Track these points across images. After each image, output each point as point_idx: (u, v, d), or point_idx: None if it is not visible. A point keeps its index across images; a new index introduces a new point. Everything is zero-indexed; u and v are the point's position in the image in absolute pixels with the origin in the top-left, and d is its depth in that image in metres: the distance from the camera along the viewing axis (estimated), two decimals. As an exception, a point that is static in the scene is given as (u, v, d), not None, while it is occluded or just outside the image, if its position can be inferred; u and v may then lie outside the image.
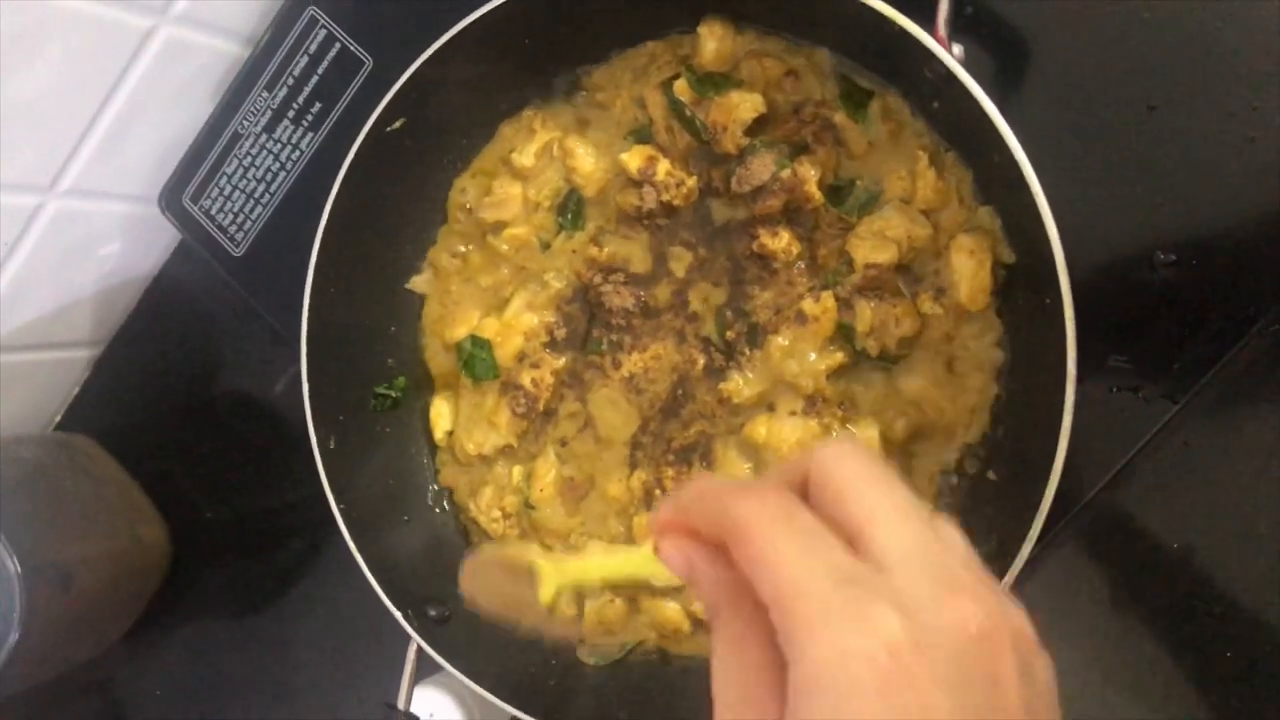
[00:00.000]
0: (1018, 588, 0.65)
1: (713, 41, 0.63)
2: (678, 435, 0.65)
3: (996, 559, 0.57)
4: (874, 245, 0.61)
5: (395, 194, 0.67)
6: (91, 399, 1.01)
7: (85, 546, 0.92)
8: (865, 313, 0.62)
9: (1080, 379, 0.64)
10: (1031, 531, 0.54)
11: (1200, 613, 0.69)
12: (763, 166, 0.61)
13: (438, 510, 0.71)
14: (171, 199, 0.86)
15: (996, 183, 0.58)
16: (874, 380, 0.63)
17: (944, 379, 0.61)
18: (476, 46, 0.62)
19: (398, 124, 0.64)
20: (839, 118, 0.62)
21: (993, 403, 0.61)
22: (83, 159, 0.85)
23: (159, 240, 0.94)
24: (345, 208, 0.64)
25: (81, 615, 0.92)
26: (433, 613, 0.65)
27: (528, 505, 0.68)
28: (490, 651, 0.65)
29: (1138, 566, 0.69)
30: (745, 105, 0.62)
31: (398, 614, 0.63)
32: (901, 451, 0.62)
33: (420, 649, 0.63)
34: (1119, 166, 0.65)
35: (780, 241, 0.62)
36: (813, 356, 0.62)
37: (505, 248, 0.68)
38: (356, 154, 0.63)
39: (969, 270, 0.59)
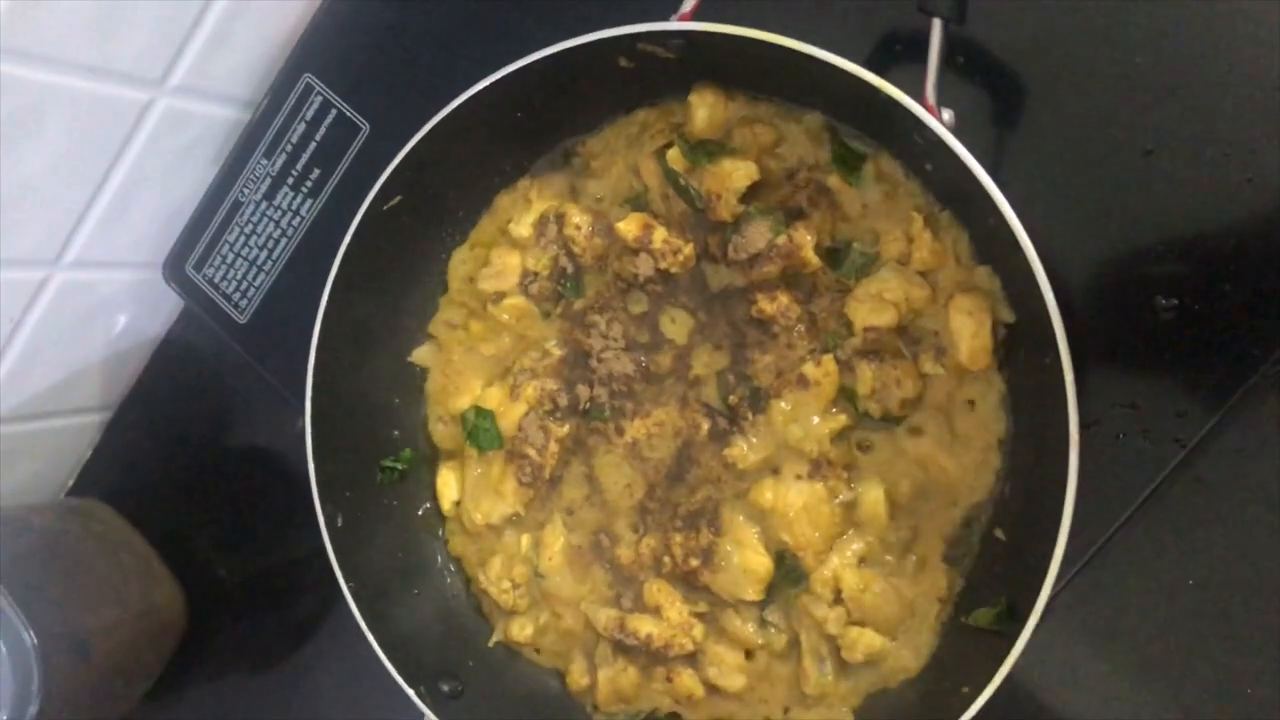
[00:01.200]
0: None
1: (703, 109, 0.63)
2: (684, 500, 0.65)
3: (1007, 621, 0.57)
4: (872, 308, 0.61)
5: (395, 269, 0.68)
6: (103, 463, 1.02)
7: (102, 614, 0.93)
8: (866, 375, 0.61)
9: (1086, 426, 0.64)
10: (1041, 595, 0.54)
11: (1217, 650, 0.69)
12: (759, 234, 0.62)
13: (448, 581, 0.71)
14: (175, 268, 0.86)
15: (993, 243, 0.58)
16: (878, 441, 0.63)
17: (948, 439, 0.61)
18: (470, 123, 0.62)
19: (394, 201, 0.64)
20: (833, 181, 0.62)
21: (998, 461, 0.61)
22: (87, 231, 0.86)
23: (165, 304, 0.95)
24: (345, 286, 0.65)
25: (100, 681, 0.93)
26: (445, 688, 0.65)
27: (537, 574, 0.68)
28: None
29: (1152, 608, 0.69)
30: (739, 173, 0.62)
31: (410, 692, 0.63)
32: (907, 511, 0.62)
33: (435, 727, 0.63)
34: (1117, 211, 0.65)
35: (778, 305, 0.62)
36: (816, 420, 0.62)
37: (506, 317, 0.68)
38: (355, 234, 0.63)
39: (969, 330, 0.59)
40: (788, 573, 0.63)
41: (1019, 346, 0.60)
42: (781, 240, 0.61)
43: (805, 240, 0.61)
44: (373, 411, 0.70)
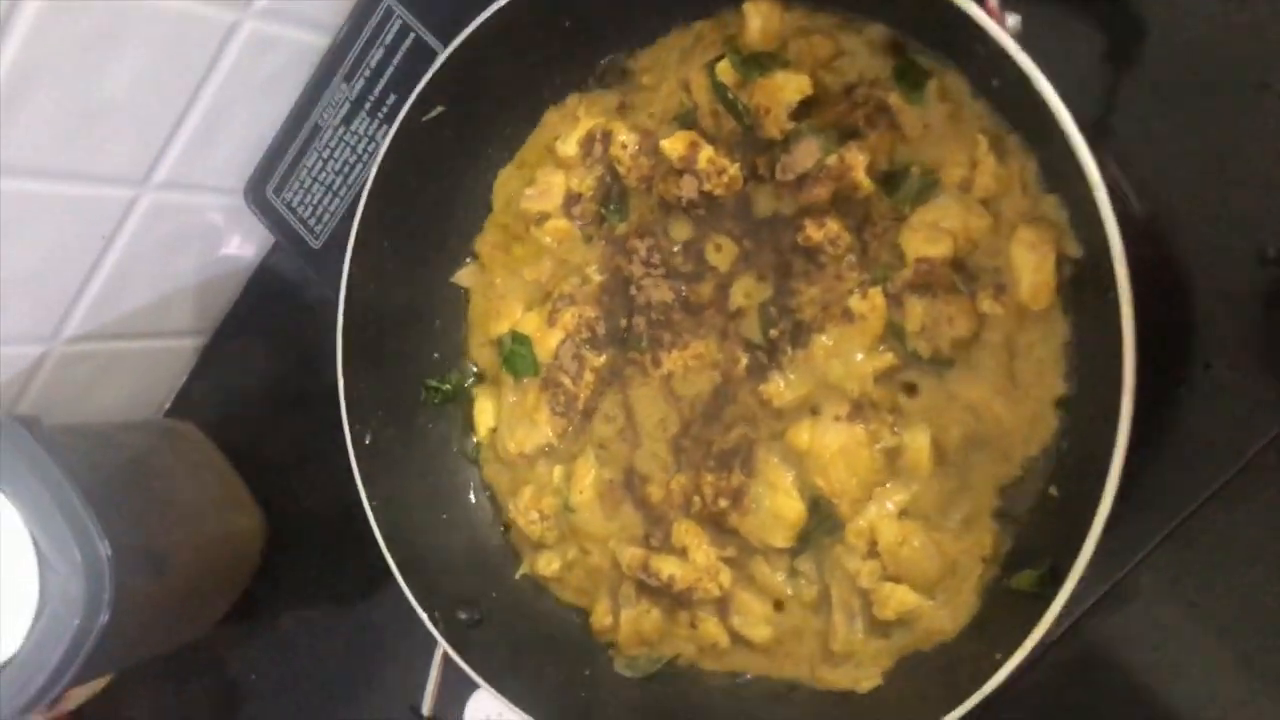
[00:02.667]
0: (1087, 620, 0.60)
1: (758, 19, 0.59)
2: (718, 439, 0.62)
3: (1050, 584, 0.52)
4: (927, 237, 0.56)
5: (437, 185, 0.66)
6: (198, 388, 1.03)
7: (181, 532, 0.94)
8: (916, 311, 0.57)
9: (1174, 383, 0.58)
10: (1082, 555, 0.48)
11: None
12: (808, 152, 0.57)
13: (479, 509, 0.69)
14: (256, 192, 0.87)
15: (1061, 170, 0.53)
16: (927, 384, 0.58)
17: (1004, 385, 0.56)
18: (514, 30, 0.60)
19: (435, 112, 0.62)
20: (893, 99, 0.57)
21: (1058, 413, 0.55)
22: (175, 152, 0.86)
23: (257, 231, 0.96)
24: (384, 198, 0.63)
25: (174, 599, 0.94)
26: (463, 615, 0.63)
27: (567, 508, 0.65)
28: (521, 659, 0.63)
29: (1243, 577, 0.62)
30: (790, 87, 0.58)
31: (424, 615, 0.61)
32: (956, 462, 0.57)
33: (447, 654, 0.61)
34: (1226, 151, 0.58)
35: (827, 232, 0.58)
36: (860, 357, 0.58)
37: (548, 240, 0.66)
38: (392, 143, 0.62)
39: (1031, 264, 0.54)
40: (822, 521, 0.59)
41: (1086, 286, 0.54)
42: (832, 160, 0.57)
43: (858, 161, 0.57)
44: (414, 330, 0.68)
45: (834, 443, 0.58)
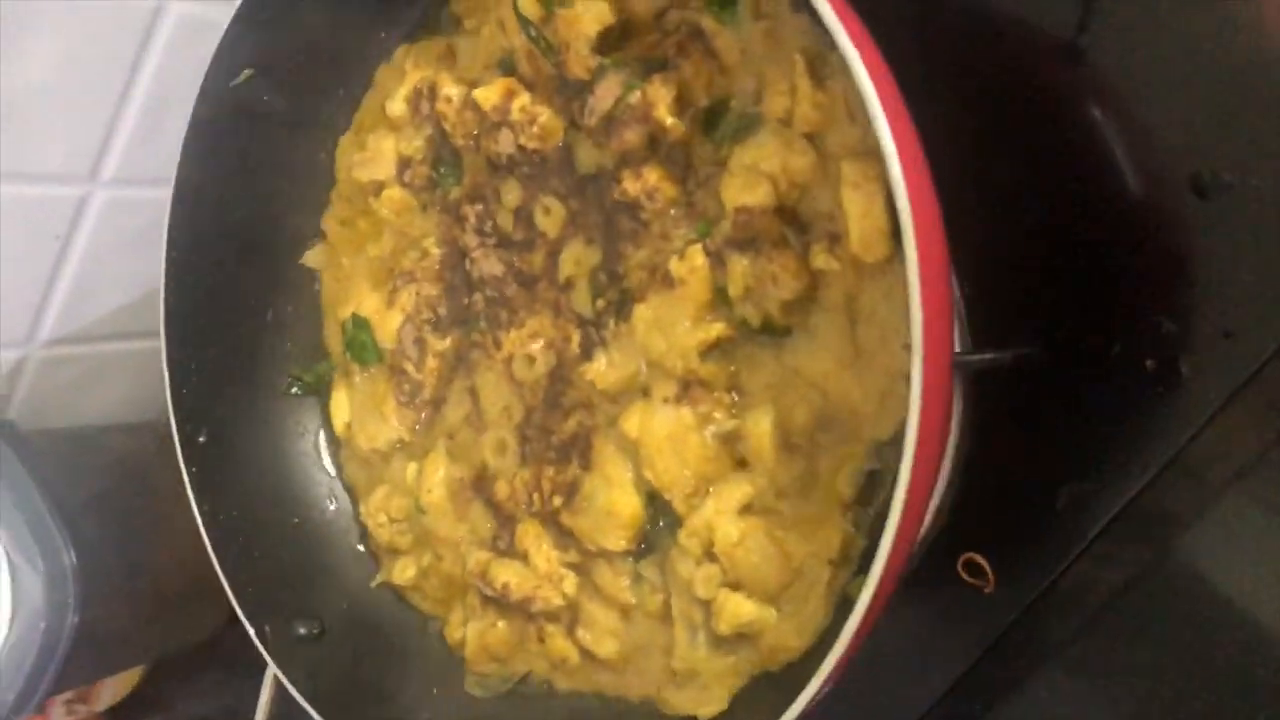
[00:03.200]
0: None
1: None
2: (558, 427, 0.54)
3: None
4: (744, 183, 0.47)
5: (270, 158, 0.60)
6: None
7: (161, 536, 0.93)
8: (737, 271, 0.48)
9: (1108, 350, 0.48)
10: (880, 549, 0.39)
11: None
12: (608, 91, 0.49)
13: (339, 514, 0.64)
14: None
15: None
16: (766, 359, 0.49)
17: (849, 355, 0.46)
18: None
19: (244, 76, 0.57)
20: (706, 21, 0.48)
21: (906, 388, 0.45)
22: (119, 146, 0.85)
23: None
24: (198, 174, 0.58)
25: (158, 604, 0.93)
26: (302, 630, 0.58)
27: (418, 509, 0.59)
28: (360, 676, 0.57)
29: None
30: (588, 16, 0.50)
31: (250, 629, 0.56)
32: (803, 448, 0.48)
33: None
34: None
35: (644, 184, 0.49)
36: (684, 327, 0.49)
37: (385, 211, 0.59)
38: (195, 115, 0.56)
39: (859, 207, 0.44)
40: (664, 520, 0.51)
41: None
42: (634, 98, 0.49)
43: (660, 96, 0.48)
44: (257, 320, 0.63)
45: (661, 429, 0.49)
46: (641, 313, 0.50)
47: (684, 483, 0.50)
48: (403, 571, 0.60)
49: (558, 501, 0.53)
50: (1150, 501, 0.52)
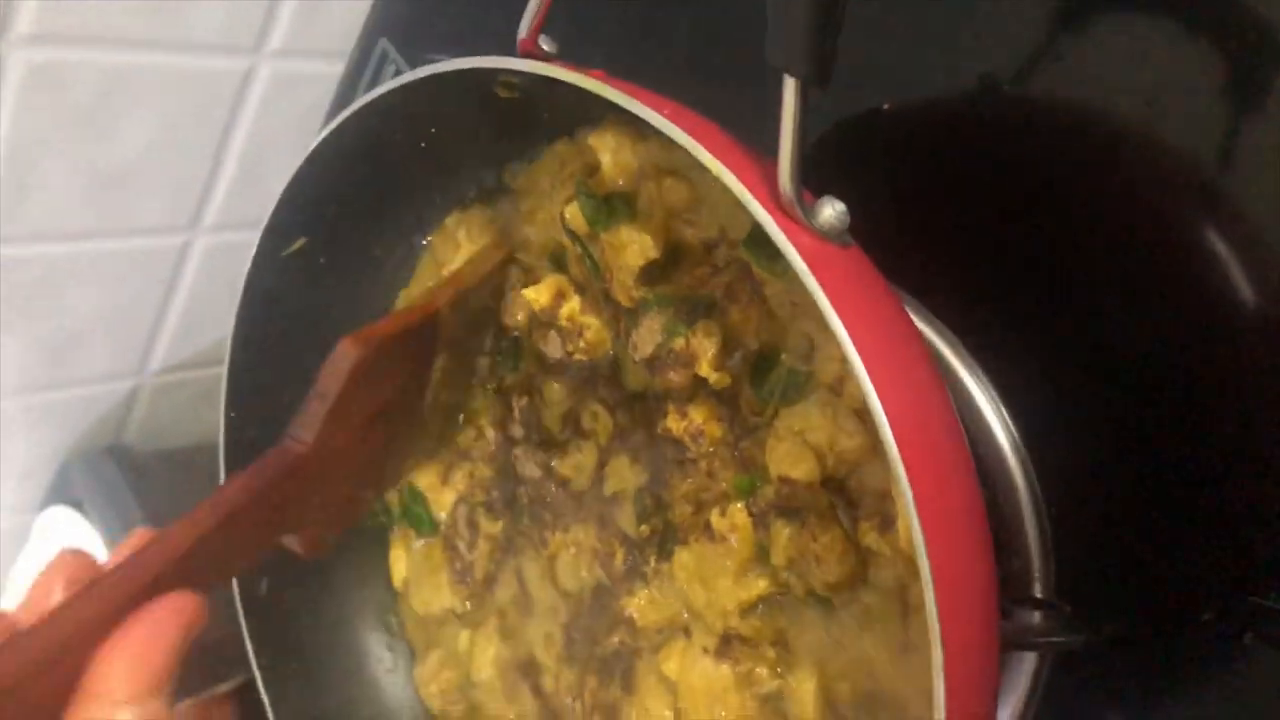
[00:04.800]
0: None
1: (606, 154, 0.46)
2: (602, 640, 0.52)
3: None
4: (788, 452, 0.43)
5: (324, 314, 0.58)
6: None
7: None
8: (780, 539, 0.44)
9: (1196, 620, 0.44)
10: None
11: None
12: (650, 334, 0.45)
13: (392, 669, 0.63)
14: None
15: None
16: (814, 621, 0.45)
17: (900, 642, 0.43)
18: (361, 151, 0.50)
19: (298, 245, 0.55)
20: (757, 269, 0.44)
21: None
22: (218, 197, 0.85)
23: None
24: (257, 330, 0.56)
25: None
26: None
27: (470, 683, 0.58)
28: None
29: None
30: (633, 248, 0.46)
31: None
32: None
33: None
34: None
35: (690, 424, 0.46)
36: (725, 584, 0.46)
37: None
38: (250, 283, 0.55)
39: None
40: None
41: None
42: (678, 344, 0.45)
43: (703, 349, 0.44)
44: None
45: (699, 681, 0.47)
46: (683, 559, 0.47)
47: None
48: None
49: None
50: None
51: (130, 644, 0.36)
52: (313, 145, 0.50)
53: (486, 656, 0.56)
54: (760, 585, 0.46)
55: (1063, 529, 0.50)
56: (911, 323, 0.41)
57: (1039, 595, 0.49)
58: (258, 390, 0.58)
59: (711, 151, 0.35)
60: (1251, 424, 0.47)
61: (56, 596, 0.38)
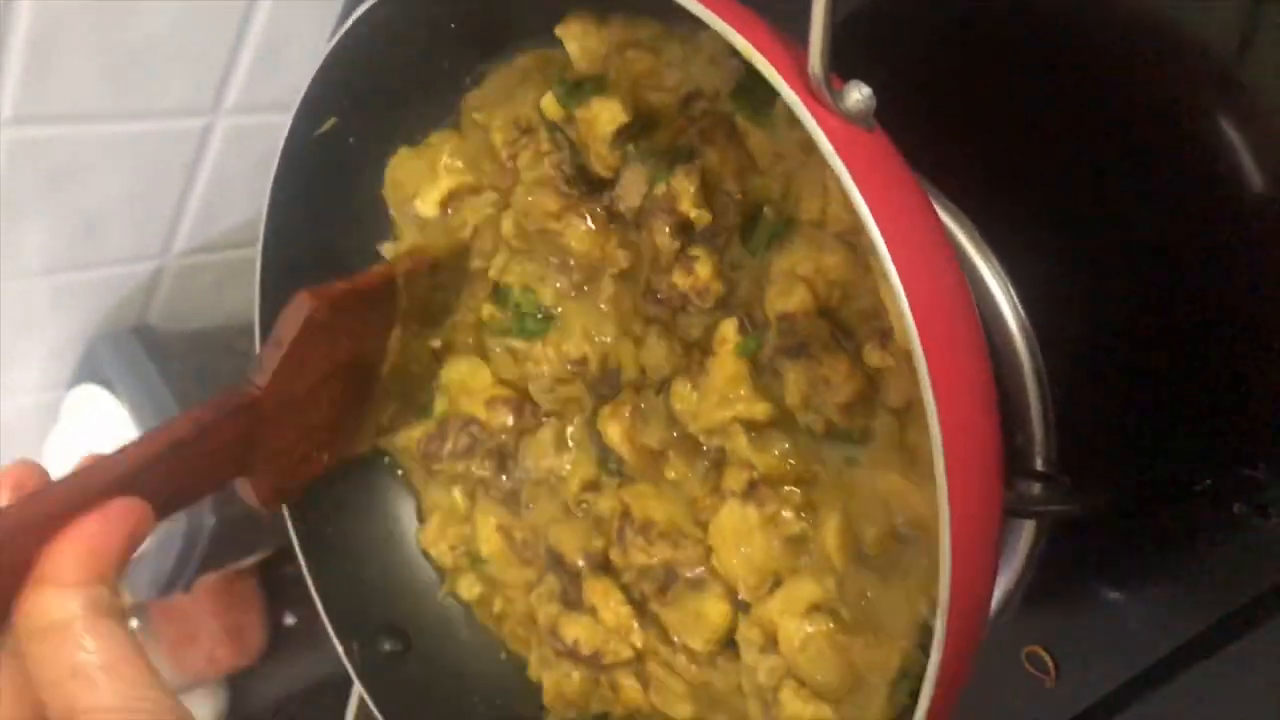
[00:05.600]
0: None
1: (573, 43, 0.50)
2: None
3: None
4: (781, 289, 0.46)
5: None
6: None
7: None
8: (791, 379, 0.47)
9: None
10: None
11: None
12: (633, 184, 0.49)
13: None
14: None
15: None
16: (836, 463, 0.48)
17: (907, 462, 0.45)
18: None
19: (328, 125, 0.56)
20: (739, 120, 0.47)
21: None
22: (239, 79, 0.85)
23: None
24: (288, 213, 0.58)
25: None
26: (387, 646, 0.61)
27: (478, 559, 0.61)
28: (442, 702, 0.61)
29: None
30: (604, 116, 0.49)
31: (340, 648, 0.60)
32: (878, 561, 0.47)
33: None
34: None
35: (696, 279, 0.48)
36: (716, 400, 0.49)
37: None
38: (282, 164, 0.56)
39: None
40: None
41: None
42: (660, 191, 0.47)
43: (683, 189, 0.47)
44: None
45: (727, 523, 0.50)
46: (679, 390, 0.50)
47: (749, 578, 0.50)
48: (469, 588, 0.62)
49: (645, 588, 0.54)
50: (1223, 635, 0.50)
51: (81, 534, 0.38)
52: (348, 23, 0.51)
53: (490, 528, 0.60)
54: (760, 409, 0.48)
55: (1065, 405, 0.52)
56: (931, 206, 0.43)
57: (1040, 468, 0.52)
58: (290, 271, 0.59)
59: (741, 33, 0.37)
60: (1249, 306, 0.49)
61: (2, 500, 0.39)
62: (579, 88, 0.50)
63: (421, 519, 0.64)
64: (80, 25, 0.74)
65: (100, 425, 0.94)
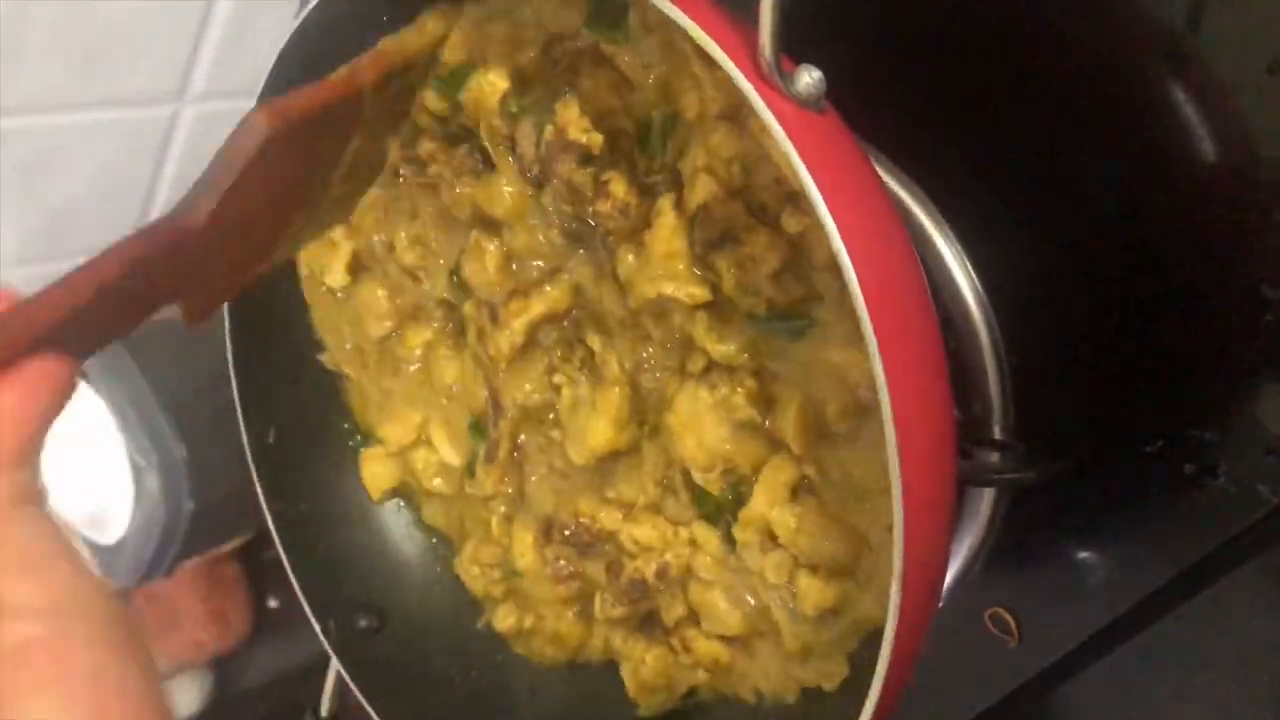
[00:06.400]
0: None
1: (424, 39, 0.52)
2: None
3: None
4: (689, 187, 0.48)
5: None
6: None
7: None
8: (722, 266, 0.48)
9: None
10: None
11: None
12: (526, 138, 0.50)
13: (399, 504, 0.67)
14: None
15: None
16: (784, 347, 0.49)
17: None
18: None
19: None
20: (604, 45, 0.49)
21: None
22: (202, 67, 0.85)
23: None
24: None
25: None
26: (363, 623, 0.62)
27: (514, 573, 0.60)
28: (420, 677, 0.62)
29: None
30: (485, 89, 0.51)
31: (317, 626, 0.61)
32: (846, 435, 0.48)
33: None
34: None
35: (614, 199, 0.49)
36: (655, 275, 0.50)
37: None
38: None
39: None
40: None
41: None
42: (549, 132, 0.49)
43: (569, 119, 0.48)
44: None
45: (684, 405, 0.51)
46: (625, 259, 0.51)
47: (699, 458, 0.51)
48: (503, 619, 0.62)
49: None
50: (1178, 591, 0.52)
51: None
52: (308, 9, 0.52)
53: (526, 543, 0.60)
54: (698, 291, 0.49)
55: (1021, 374, 0.53)
56: (882, 188, 0.44)
57: (998, 437, 0.53)
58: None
59: (693, 18, 0.38)
60: (1200, 273, 0.50)
61: None
62: (453, 76, 0.52)
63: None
64: (43, 14, 0.74)
65: (77, 418, 0.95)
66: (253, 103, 0.53)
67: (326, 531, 0.64)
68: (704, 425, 0.51)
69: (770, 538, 0.51)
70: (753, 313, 0.49)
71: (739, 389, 0.50)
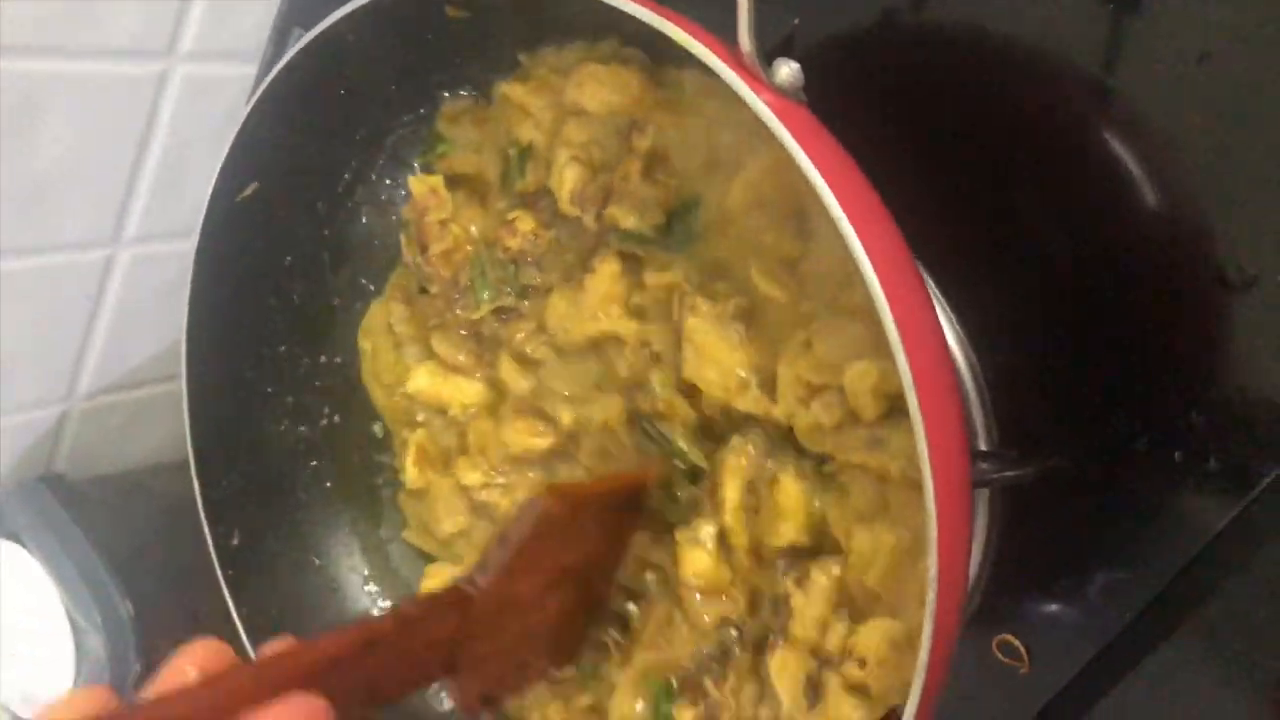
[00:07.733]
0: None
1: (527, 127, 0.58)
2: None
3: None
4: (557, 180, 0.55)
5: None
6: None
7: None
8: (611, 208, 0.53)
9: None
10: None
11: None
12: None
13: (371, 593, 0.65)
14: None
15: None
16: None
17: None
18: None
19: (250, 190, 0.57)
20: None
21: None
22: (138, 207, 0.85)
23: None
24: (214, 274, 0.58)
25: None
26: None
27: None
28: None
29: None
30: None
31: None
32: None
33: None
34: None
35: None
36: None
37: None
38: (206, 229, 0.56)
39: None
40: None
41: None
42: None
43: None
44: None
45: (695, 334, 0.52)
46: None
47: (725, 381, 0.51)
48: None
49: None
50: (1182, 590, 0.52)
51: None
52: (264, 85, 0.53)
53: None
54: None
55: (999, 389, 0.54)
56: (863, 174, 0.45)
57: (984, 449, 0.53)
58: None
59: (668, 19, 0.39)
60: (1160, 278, 0.52)
61: (191, 678, 0.37)
62: (520, 160, 0.57)
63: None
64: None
65: (13, 582, 0.90)
66: (189, 244, 0.57)
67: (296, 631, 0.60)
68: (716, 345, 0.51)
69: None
70: (643, 236, 0.52)
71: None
